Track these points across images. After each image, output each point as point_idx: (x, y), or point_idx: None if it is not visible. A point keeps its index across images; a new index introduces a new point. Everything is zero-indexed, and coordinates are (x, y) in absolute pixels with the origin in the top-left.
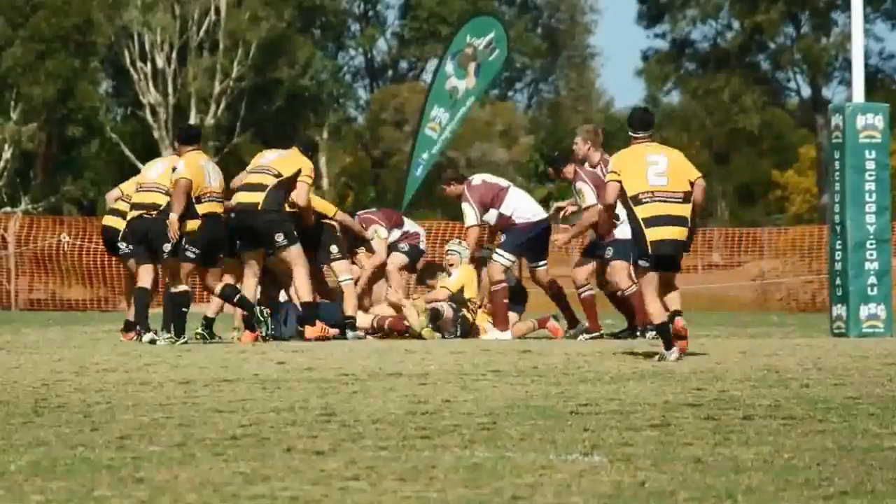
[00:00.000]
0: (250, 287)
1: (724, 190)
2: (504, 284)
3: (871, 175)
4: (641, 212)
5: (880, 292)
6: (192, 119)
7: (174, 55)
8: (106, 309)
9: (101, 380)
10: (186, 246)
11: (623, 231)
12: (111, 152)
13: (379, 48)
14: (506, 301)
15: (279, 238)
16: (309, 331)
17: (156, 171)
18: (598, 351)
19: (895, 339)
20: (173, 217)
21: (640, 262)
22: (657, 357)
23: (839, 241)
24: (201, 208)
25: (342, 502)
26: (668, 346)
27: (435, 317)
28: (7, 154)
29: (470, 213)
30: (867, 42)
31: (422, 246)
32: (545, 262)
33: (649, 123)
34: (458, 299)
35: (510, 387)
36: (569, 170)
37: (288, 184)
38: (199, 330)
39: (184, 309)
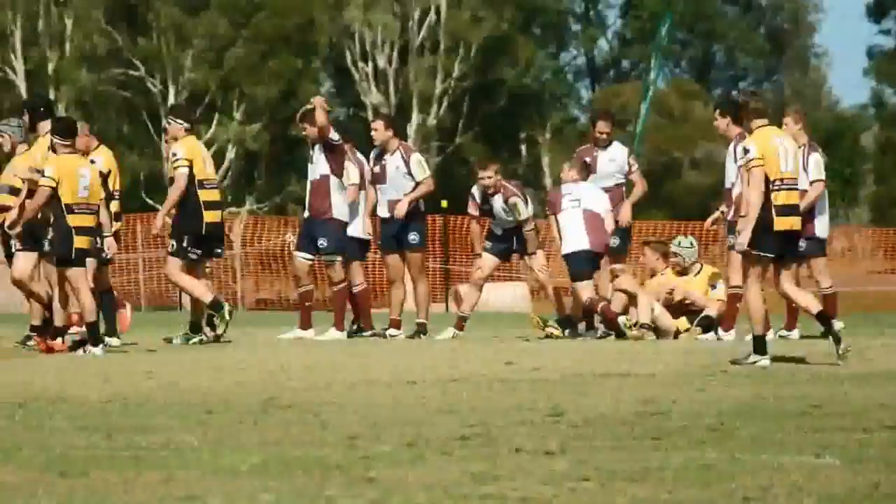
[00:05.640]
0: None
1: None
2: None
3: None
4: (71, 220)
5: None
6: (414, 119)
7: (395, 55)
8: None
9: (328, 379)
10: None
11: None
12: None
13: (600, 48)
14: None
15: None
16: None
17: None
18: (828, 352)
19: None
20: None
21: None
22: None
23: None
24: None
25: (572, 503)
26: (96, 343)
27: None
28: (231, 154)
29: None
30: None
31: None
32: None
33: (76, 132)
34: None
35: (739, 388)
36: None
37: None
38: None
39: None
